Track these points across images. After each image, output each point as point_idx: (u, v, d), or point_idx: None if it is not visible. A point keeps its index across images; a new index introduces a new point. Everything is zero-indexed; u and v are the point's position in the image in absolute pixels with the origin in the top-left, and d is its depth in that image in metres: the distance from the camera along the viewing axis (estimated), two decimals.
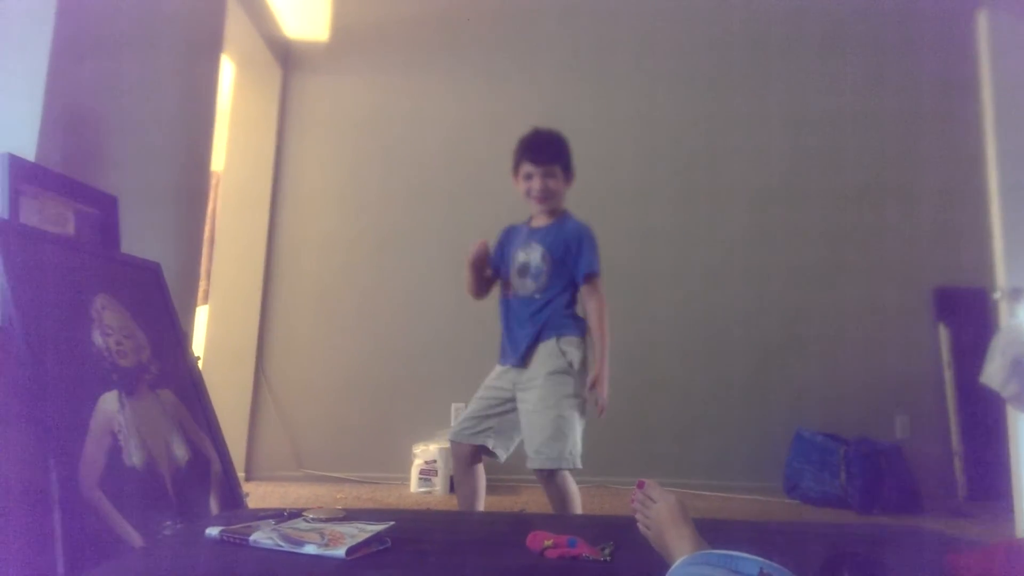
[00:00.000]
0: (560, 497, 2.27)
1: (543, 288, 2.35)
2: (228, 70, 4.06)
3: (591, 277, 2.34)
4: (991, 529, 3.23)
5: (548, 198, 2.40)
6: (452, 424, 2.47)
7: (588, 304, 2.36)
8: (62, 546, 1.55)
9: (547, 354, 2.30)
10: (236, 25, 3.61)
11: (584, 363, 2.32)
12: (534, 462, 2.24)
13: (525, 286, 2.37)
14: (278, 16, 4.16)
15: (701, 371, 4.13)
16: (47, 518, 1.57)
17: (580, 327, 2.35)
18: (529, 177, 2.40)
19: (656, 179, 4.27)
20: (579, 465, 2.25)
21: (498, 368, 2.45)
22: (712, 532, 1.26)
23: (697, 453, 3.99)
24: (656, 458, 3.90)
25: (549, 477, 2.25)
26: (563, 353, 2.29)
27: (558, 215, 2.45)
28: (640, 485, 1.42)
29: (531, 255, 2.38)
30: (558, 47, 4.42)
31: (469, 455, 2.39)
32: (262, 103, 4.24)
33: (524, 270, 2.38)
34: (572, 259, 2.35)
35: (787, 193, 4.26)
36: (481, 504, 2.46)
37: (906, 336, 4.14)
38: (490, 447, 2.37)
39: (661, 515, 1.32)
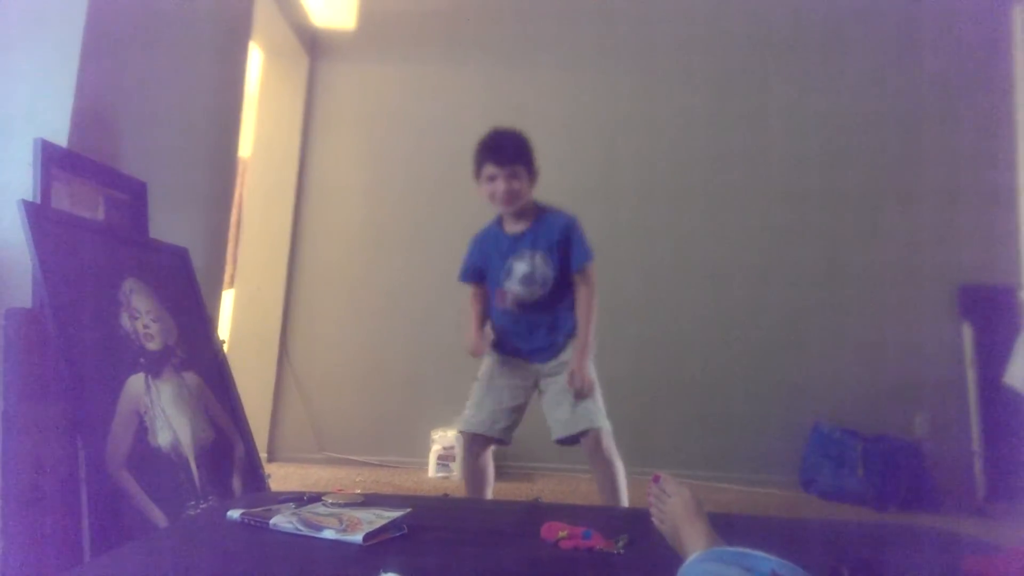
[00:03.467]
0: (610, 462, 2.30)
1: (552, 290, 2.36)
2: (256, 57, 4.08)
3: (587, 266, 2.35)
4: (1011, 530, 3.21)
5: (514, 200, 2.34)
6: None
7: (580, 290, 2.36)
8: (89, 524, 1.60)
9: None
10: (264, 13, 3.62)
11: None
12: (594, 423, 2.28)
13: (533, 293, 2.36)
14: (305, 3, 4.18)
15: (718, 362, 4.09)
16: (75, 497, 1.62)
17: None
18: (492, 179, 2.34)
19: (656, 179, 4.23)
20: None
21: (507, 360, 2.46)
22: (727, 527, 1.27)
23: (714, 445, 3.97)
24: (672, 449, 3.90)
25: (598, 444, 2.28)
26: None
27: (532, 213, 2.41)
28: (656, 479, 1.43)
29: (532, 263, 2.34)
30: (572, 43, 4.38)
31: (482, 445, 2.41)
32: (289, 91, 4.25)
33: (529, 279, 2.35)
34: (566, 252, 2.34)
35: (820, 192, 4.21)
36: (490, 491, 2.49)
37: (929, 334, 4.08)
38: (507, 440, 2.42)
39: (676, 510, 1.33)
